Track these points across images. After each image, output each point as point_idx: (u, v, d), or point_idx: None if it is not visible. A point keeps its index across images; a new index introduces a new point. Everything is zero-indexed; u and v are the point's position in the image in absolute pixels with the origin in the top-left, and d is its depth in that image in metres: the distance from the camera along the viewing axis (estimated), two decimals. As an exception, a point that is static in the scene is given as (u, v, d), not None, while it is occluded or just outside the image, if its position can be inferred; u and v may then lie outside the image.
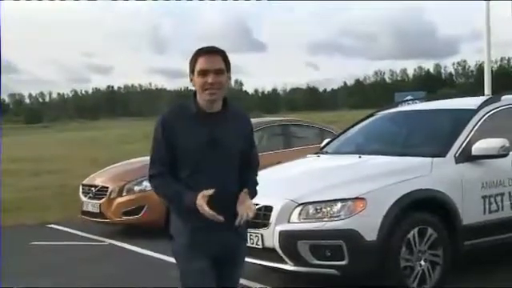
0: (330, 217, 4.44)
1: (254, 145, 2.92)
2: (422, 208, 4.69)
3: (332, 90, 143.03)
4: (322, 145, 6.33)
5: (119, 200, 7.64)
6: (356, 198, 4.44)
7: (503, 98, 5.61)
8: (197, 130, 2.70)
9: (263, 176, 5.47)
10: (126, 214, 7.58)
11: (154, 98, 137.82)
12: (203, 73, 2.68)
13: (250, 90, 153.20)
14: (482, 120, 5.19)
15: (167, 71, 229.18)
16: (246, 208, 2.68)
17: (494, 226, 4.99)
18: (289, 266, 4.51)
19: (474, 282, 4.96)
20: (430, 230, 4.63)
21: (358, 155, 5.33)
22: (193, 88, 2.77)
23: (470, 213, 4.85)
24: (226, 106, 2.77)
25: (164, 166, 2.72)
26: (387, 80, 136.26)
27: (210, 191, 2.59)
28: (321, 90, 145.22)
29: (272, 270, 5.11)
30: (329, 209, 4.46)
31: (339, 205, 4.44)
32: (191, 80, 2.74)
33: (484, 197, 4.94)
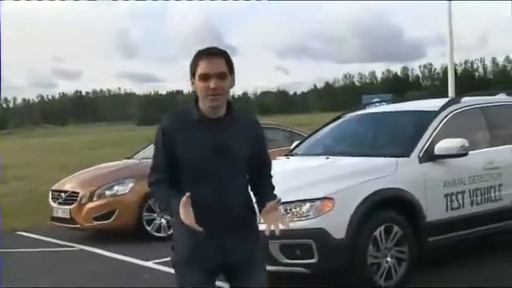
0: (300, 217, 4.57)
1: (266, 148, 2.78)
2: (388, 206, 4.86)
3: (302, 93, 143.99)
4: (292, 147, 6.47)
5: (90, 205, 7.62)
6: (324, 198, 4.57)
7: (463, 99, 5.84)
8: (200, 138, 2.55)
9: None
10: (96, 219, 7.57)
11: (123, 102, 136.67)
12: (205, 77, 2.51)
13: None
14: (443, 121, 5.40)
15: (136, 76, 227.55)
16: (277, 219, 2.56)
17: (456, 222, 5.20)
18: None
19: (437, 278, 5.15)
20: (395, 228, 4.80)
21: (325, 156, 5.47)
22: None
23: (434, 210, 5.04)
24: (230, 111, 2.61)
25: (163, 175, 2.60)
26: (356, 83, 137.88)
27: (186, 195, 2.43)
28: (291, 93, 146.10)
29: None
30: (298, 209, 4.58)
31: (308, 205, 4.56)
32: (192, 84, 2.58)
33: (446, 195, 5.14)
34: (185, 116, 2.61)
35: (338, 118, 6.58)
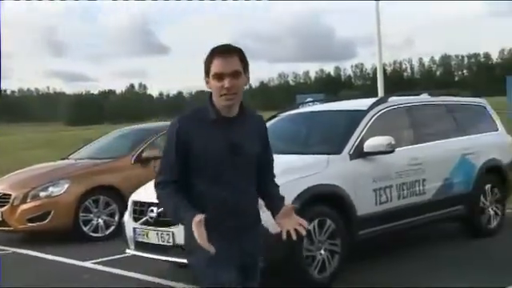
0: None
1: (270, 146, 2.80)
2: (321, 201, 5.09)
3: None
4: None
5: (23, 207, 7.46)
6: (259, 195, 4.74)
7: (390, 99, 6.19)
8: (216, 137, 2.50)
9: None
10: (31, 220, 7.42)
11: (53, 102, 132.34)
12: (219, 76, 2.46)
13: (155, 94, 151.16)
14: (372, 120, 5.70)
15: (66, 74, 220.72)
16: (294, 224, 2.55)
17: (384, 215, 5.51)
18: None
19: (367, 268, 5.46)
20: (328, 222, 5.04)
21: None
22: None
23: (363, 204, 5.32)
24: (243, 109, 2.59)
25: (172, 175, 2.52)
26: (291, 82, 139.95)
27: (201, 218, 2.34)
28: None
29: (183, 267, 5.31)
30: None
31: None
32: (207, 83, 2.53)
33: (375, 189, 5.44)
34: (200, 115, 2.54)
35: (273, 117, 6.79)
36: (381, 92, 13.49)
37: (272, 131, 6.42)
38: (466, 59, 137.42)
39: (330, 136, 5.85)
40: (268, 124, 6.48)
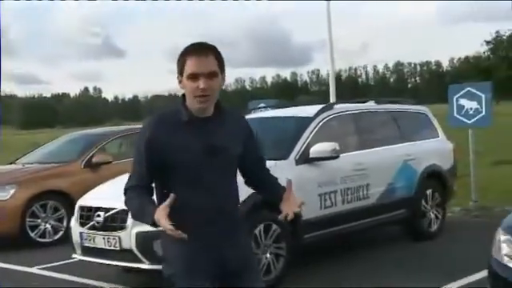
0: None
1: (257, 142, 2.68)
2: (267, 206, 5.21)
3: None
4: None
5: (-36, 213, 7.29)
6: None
7: (336, 106, 6.39)
8: (190, 139, 2.38)
9: (121, 182, 5.74)
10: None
11: (4, 105, 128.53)
12: (193, 76, 2.33)
13: (110, 97, 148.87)
14: (317, 126, 5.87)
15: (17, 77, 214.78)
16: (290, 205, 2.51)
17: (329, 219, 5.68)
18: (145, 265, 4.79)
19: (311, 271, 5.61)
20: (274, 226, 5.17)
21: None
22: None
23: (309, 209, 5.44)
24: (219, 109, 2.45)
25: (140, 181, 2.41)
26: (248, 87, 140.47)
27: (169, 201, 2.24)
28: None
29: (129, 271, 5.34)
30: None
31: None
32: (180, 82, 2.40)
33: (320, 194, 5.60)
34: (172, 117, 2.42)
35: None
36: (333, 98, 13.76)
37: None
38: (418, 67, 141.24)
39: (277, 142, 5.98)
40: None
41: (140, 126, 9.63)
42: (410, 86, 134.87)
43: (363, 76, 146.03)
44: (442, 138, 7.44)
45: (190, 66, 2.33)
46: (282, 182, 5.67)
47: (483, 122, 8.24)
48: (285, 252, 5.22)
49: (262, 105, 10.29)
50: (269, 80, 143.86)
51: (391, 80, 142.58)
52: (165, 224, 2.17)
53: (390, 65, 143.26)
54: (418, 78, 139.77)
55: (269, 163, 5.27)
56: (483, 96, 8.15)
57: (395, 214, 6.45)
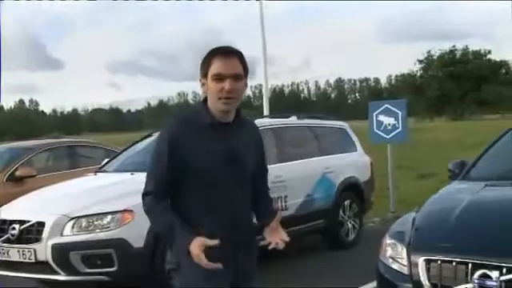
0: (102, 228, 4.90)
1: (265, 156, 2.67)
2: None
3: (136, 110, 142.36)
4: (102, 164, 6.75)
5: None
6: (124, 210, 4.96)
7: (257, 121, 6.57)
8: (212, 144, 2.33)
9: (40, 195, 5.79)
10: None
11: None
12: (219, 78, 2.30)
13: (48, 110, 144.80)
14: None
15: None
16: (278, 237, 2.42)
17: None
18: (61, 277, 4.85)
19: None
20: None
21: (131, 172, 5.87)
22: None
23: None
24: (240, 116, 2.43)
25: (160, 187, 2.35)
26: (190, 101, 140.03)
27: (212, 242, 2.20)
28: (124, 110, 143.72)
29: (45, 283, 5.36)
30: (100, 221, 4.92)
31: (109, 217, 4.92)
32: (203, 85, 2.36)
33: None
34: (194, 120, 2.37)
35: (148, 136, 7.02)
36: (266, 112, 14.07)
37: (146, 150, 6.76)
38: (358, 83, 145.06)
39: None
40: (142, 143, 6.87)
41: (65, 139, 9.60)
42: (349, 101, 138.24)
43: (305, 91, 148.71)
44: (360, 152, 7.83)
45: (217, 66, 2.31)
46: None
47: (400, 137, 8.73)
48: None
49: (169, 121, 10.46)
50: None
51: (332, 95, 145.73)
52: (203, 260, 2.18)
53: (331, 81, 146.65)
54: (357, 94, 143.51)
55: None
56: (399, 113, 8.65)
57: (314, 224, 6.74)
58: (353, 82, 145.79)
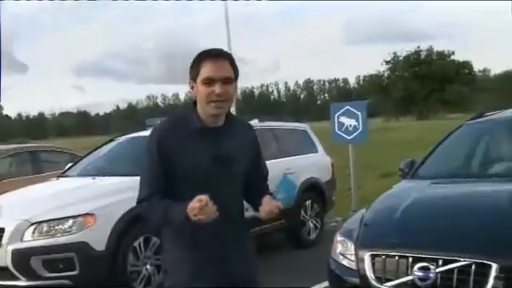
0: (63, 232, 4.96)
1: (262, 156, 2.61)
2: (146, 220, 5.46)
3: (105, 113, 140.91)
4: (65, 169, 6.78)
5: None
6: (86, 214, 5.03)
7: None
8: (201, 149, 2.31)
9: (1, 200, 5.80)
10: None
11: None
12: (209, 81, 2.27)
13: (13, 115, 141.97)
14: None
15: None
16: (270, 204, 2.37)
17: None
18: (22, 282, 4.89)
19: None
20: (154, 238, 5.42)
21: (92, 177, 5.93)
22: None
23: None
24: (230, 119, 2.40)
25: (154, 190, 2.33)
26: (160, 104, 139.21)
27: (204, 196, 2.14)
28: (93, 114, 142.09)
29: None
30: (61, 226, 4.97)
31: (71, 221, 4.98)
32: (192, 88, 2.33)
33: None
34: (183, 123, 2.34)
35: (111, 140, 7.09)
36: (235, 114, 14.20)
37: (108, 154, 6.84)
38: (327, 84, 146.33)
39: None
40: (105, 147, 6.93)
41: (29, 144, 9.54)
42: (319, 102, 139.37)
43: (275, 93, 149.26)
44: (321, 153, 8.03)
45: (207, 70, 2.27)
46: None
47: (360, 138, 8.94)
48: (166, 263, 5.48)
49: (159, 122, 10.53)
50: (182, 97, 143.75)
51: (302, 96, 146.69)
52: (203, 203, 2.11)
53: (301, 82, 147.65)
54: (327, 95, 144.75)
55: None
56: (360, 114, 8.86)
57: (276, 224, 6.88)
58: (322, 82, 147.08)
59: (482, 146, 4.71)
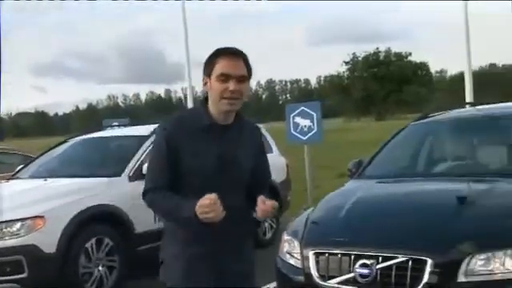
0: (11, 235, 4.89)
1: (266, 158, 2.63)
2: (99, 221, 5.44)
3: (64, 114, 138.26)
4: (16, 171, 6.68)
5: None
6: (35, 217, 4.97)
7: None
8: (207, 146, 2.33)
9: None
10: None
11: None
12: (224, 77, 2.30)
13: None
14: (152, 145, 6.19)
15: None
16: (265, 204, 2.33)
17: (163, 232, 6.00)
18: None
19: (145, 284, 5.89)
20: (106, 240, 5.40)
21: (44, 179, 5.86)
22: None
23: (142, 223, 5.75)
24: (239, 119, 2.42)
25: (160, 182, 2.34)
26: (121, 104, 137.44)
27: (213, 194, 2.18)
28: (51, 114, 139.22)
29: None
30: (9, 228, 4.91)
31: (19, 224, 4.92)
32: (205, 84, 2.35)
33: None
34: (192, 120, 2.37)
35: (64, 142, 7.02)
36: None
37: (61, 156, 6.77)
38: (288, 84, 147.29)
39: (114, 160, 6.24)
40: (58, 149, 6.86)
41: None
42: (280, 102, 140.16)
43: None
44: (276, 153, 8.11)
45: (222, 66, 2.30)
46: (113, 201, 5.66)
47: (315, 138, 9.07)
48: (118, 264, 5.47)
49: (115, 123, 10.47)
50: (143, 97, 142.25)
51: (264, 96, 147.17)
52: (211, 199, 2.15)
53: (263, 82, 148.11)
54: (288, 95, 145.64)
55: (101, 180, 5.71)
56: (314, 115, 8.99)
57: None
58: (284, 83, 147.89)
59: (427, 146, 4.86)
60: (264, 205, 2.33)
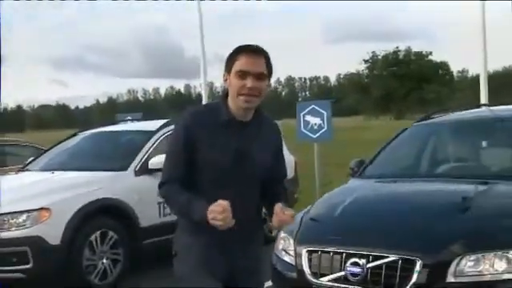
0: (17, 226, 5.00)
1: (283, 155, 2.65)
2: (105, 214, 5.53)
3: (85, 107, 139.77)
4: (26, 163, 6.80)
5: None
6: (41, 209, 5.07)
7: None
8: (225, 141, 2.36)
9: None
10: None
11: None
12: (243, 74, 2.32)
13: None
14: (158, 140, 6.26)
15: None
16: (282, 217, 2.34)
17: (168, 226, 6.05)
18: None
19: (150, 276, 5.97)
20: (110, 233, 5.49)
21: (51, 171, 5.97)
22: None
23: (148, 216, 5.84)
24: (258, 115, 2.44)
25: (176, 174, 2.37)
26: (140, 98, 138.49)
27: (225, 201, 2.21)
28: (73, 107, 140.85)
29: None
30: (15, 219, 5.01)
31: (25, 215, 5.02)
32: (225, 80, 2.39)
33: (159, 203, 5.98)
34: (211, 114, 2.39)
35: (74, 135, 7.13)
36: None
37: (70, 149, 6.88)
38: (308, 81, 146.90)
39: (120, 154, 6.31)
40: (67, 142, 6.97)
41: (7, 137, 9.54)
42: (300, 99, 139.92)
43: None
44: (285, 152, 8.11)
45: (241, 63, 2.33)
46: (119, 195, 5.70)
47: (326, 137, 9.08)
48: (122, 257, 5.55)
49: (129, 118, 10.58)
50: (162, 91, 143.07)
51: (283, 93, 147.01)
52: (223, 206, 2.18)
53: (282, 79, 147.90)
54: (307, 92, 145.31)
55: (108, 174, 5.79)
56: (325, 113, 8.99)
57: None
58: (303, 80, 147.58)
59: (428, 146, 4.85)
60: (284, 215, 2.34)
